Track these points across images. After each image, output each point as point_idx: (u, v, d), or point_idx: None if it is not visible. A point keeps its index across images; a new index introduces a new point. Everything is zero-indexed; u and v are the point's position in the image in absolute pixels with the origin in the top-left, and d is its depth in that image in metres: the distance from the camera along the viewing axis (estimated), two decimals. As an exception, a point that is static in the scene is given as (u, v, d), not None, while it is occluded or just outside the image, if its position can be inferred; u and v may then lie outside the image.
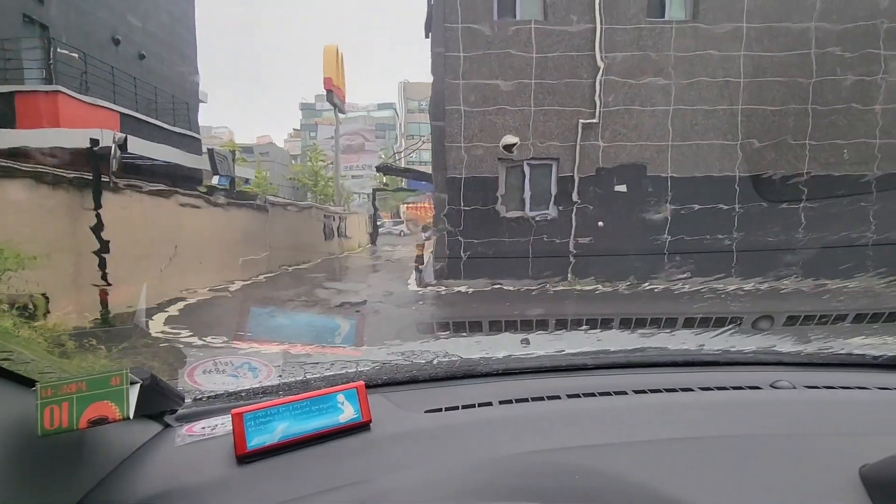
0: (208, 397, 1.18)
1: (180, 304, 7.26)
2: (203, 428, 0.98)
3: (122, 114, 11.25)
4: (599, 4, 8.62)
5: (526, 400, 1.06)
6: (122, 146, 6.98)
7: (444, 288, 8.56)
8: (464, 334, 3.32)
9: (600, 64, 8.72)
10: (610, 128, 8.85)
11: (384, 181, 30.42)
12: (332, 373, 1.32)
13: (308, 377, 1.27)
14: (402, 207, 36.06)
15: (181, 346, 4.97)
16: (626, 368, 1.30)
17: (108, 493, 0.80)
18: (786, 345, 1.66)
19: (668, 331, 2.81)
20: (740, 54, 8.73)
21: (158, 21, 14.67)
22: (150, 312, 6.33)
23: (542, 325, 3.17)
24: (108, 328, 5.57)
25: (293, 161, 46.88)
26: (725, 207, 8.83)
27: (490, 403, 1.04)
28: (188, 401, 1.12)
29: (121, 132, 9.01)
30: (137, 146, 9.88)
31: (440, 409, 1.03)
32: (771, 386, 1.12)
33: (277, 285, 9.95)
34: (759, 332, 2.21)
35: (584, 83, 8.79)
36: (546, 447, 0.88)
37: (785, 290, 6.96)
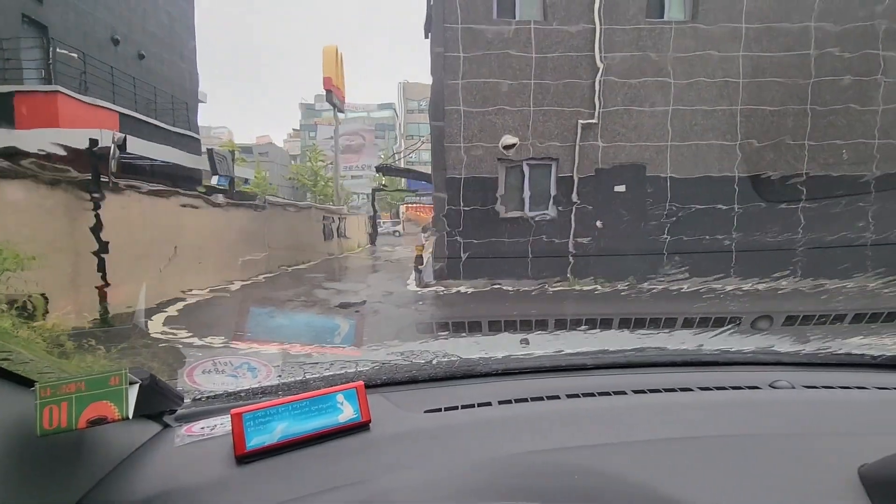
0: (207, 397, 1.18)
1: (179, 305, 7.26)
2: (202, 428, 0.98)
3: (121, 114, 11.24)
4: (599, 5, 8.63)
5: (525, 400, 1.06)
6: (122, 146, 6.98)
7: (443, 288, 8.56)
8: (463, 334, 3.31)
9: (600, 64, 8.72)
10: (609, 128, 8.86)
11: (383, 182, 30.44)
12: (331, 373, 1.32)
13: (307, 377, 1.27)
14: (402, 208, 36.10)
15: (180, 346, 4.96)
16: (626, 368, 1.30)
17: (107, 493, 0.80)
18: (785, 345, 1.66)
19: (667, 331, 2.81)
20: (739, 55, 8.74)
21: (158, 21, 14.66)
22: (150, 313, 6.33)
23: (541, 325, 3.17)
24: (107, 328, 5.56)
25: (293, 161, 46.89)
26: (724, 207, 8.84)
27: (489, 403, 1.04)
28: (187, 401, 1.12)
29: (120, 132, 9.00)
30: (137, 146, 9.88)
31: (439, 409, 1.03)
32: (770, 386, 1.12)
33: (277, 285, 9.95)
34: (757, 332, 2.21)
35: (583, 83, 8.80)
36: (545, 447, 0.88)
37: (784, 290, 6.97)
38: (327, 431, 0.89)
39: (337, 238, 17.73)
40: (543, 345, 2.18)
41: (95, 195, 6.22)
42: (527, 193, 9.05)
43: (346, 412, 0.92)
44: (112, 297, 6.03)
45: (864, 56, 8.63)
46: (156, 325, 5.88)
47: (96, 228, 6.09)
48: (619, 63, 8.77)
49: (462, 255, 8.84)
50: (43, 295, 4.97)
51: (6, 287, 4.41)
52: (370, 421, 0.92)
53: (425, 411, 1.02)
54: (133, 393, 0.78)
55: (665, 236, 8.81)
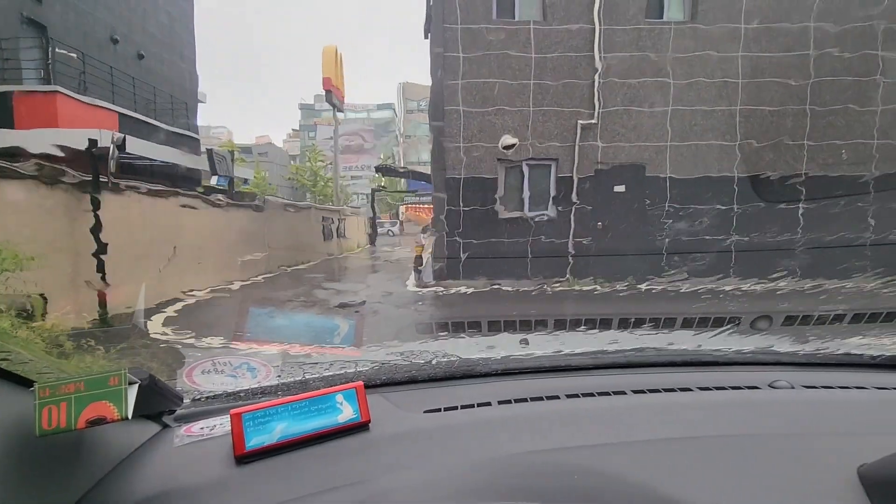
0: (207, 398, 1.18)
1: (179, 305, 7.25)
2: (202, 428, 0.98)
3: (120, 114, 11.23)
4: (598, 5, 8.64)
5: (525, 400, 1.06)
6: (121, 146, 6.98)
7: (442, 288, 8.56)
8: (462, 334, 3.31)
9: (599, 65, 8.73)
10: (609, 128, 8.86)
11: (383, 183, 30.45)
12: (330, 373, 1.32)
13: (307, 377, 1.27)
14: (402, 208, 36.10)
15: (180, 346, 4.96)
16: (625, 368, 1.30)
17: (106, 493, 0.80)
18: (784, 345, 1.66)
19: (667, 331, 2.81)
20: (738, 55, 8.75)
21: (157, 21, 14.66)
22: (149, 313, 6.32)
23: (540, 325, 3.17)
24: (106, 329, 5.56)
25: (292, 161, 46.87)
26: (724, 208, 8.85)
27: (489, 403, 1.04)
28: (187, 401, 1.12)
29: (119, 132, 9.00)
30: (136, 146, 9.88)
31: (439, 410, 1.03)
32: (769, 386, 1.12)
33: (276, 286, 9.94)
34: (757, 332, 2.21)
35: (582, 84, 8.80)
36: (545, 447, 0.88)
37: (783, 290, 6.97)
38: (327, 432, 0.89)
39: (336, 238, 17.72)
40: (543, 345, 2.18)
41: (94, 195, 6.21)
42: (526, 194, 9.05)
43: (346, 412, 0.92)
44: (111, 298, 6.03)
45: (863, 56, 8.64)
46: (155, 326, 5.88)
47: (95, 229, 6.09)
48: (618, 63, 8.78)
49: (461, 255, 8.85)
50: (42, 295, 4.97)
51: (5, 287, 4.41)
52: (370, 421, 0.92)
53: (425, 411, 1.02)
54: (132, 393, 0.77)
55: (664, 236, 8.81)
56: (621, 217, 8.90)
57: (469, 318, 5.01)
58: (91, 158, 6.44)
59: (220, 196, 10.48)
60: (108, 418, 0.75)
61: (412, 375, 1.22)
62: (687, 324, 3.02)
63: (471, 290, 8.21)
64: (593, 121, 8.80)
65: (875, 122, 8.71)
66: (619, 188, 8.95)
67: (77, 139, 6.85)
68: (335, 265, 14.58)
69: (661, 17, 9.02)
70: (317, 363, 1.48)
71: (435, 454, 0.88)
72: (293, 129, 63.72)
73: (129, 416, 0.76)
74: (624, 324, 3.22)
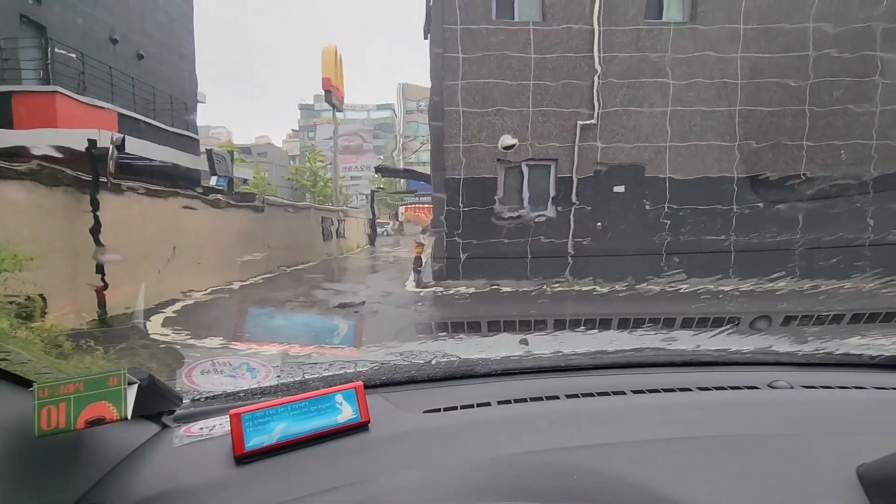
0: (206, 398, 1.18)
1: (178, 305, 7.25)
2: (201, 428, 0.98)
3: (119, 114, 11.23)
4: (598, 6, 8.65)
5: (524, 400, 1.06)
6: (120, 146, 6.97)
7: (442, 289, 8.56)
8: (462, 335, 3.31)
9: (598, 65, 8.74)
10: (608, 129, 8.87)
11: (382, 184, 30.44)
12: (330, 373, 1.32)
13: (306, 377, 1.27)
14: (401, 209, 36.09)
15: (179, 346, 4.96)
16: (625, 369, 1.30)
17: (105, 493, 0.80)
18: (783, 345, 1.66)
19: (666, 331, 2.81)
20: (738, 55, 8.76)
21: (156, 21, 14.65)
22: (149, 313, 6.32)
23: (540, 325, 3.17)
24: (105, 329, 5.55)
25: (291, 162, 46.88)
26: (723, 208, 8.85)
27: (488, 404, 1.04)
28: (186, 401, 1.12)
29: (119, 132, 9.00)
30: (135, 146, 9.88)
31: (439, 410, 1.03)
32: (769, 386, 1.12)
33: (276, 286, 9.94)
34: (756, 332, 2.21)
35: (582, 84, 8.81)
36: (545, 447, 0.88)
37: (782, 290, 6.98)
38: (326, 432, 0.89)
39: (336, 239, 17.72)
40: (542, 345, 2.18)
41: (94, 196, 6.21)
42: (526, 194, 9.05)
43: (346, 412, 0.91)
44: (111, 298, 6.02)
45: (862, 57, 8.66)
46: (154, 326, 5.87)
47: (95, 229, 6.08)
48: (617, 64, 8.79)
49: (461, 255, 8.85)
50: (41, 295, 4.96)
51: (4, 288, 4.40)
52: (369, 421, 0.92)
53: (424, 411, 1.02)
54: (132, 393, 0.77)
55: (664, 237, 8.82)
56: (621, 217, 8.90)
57: (468, 318, 5.01)
58: (90, 159, 6.44)
59: (219, 196, 10.48)
60: (107, 418, 0.75)
61: (412, 376, 1.22)
62: (686, 324, 3.02)
63: (470, 291, 8.22)
64: (593, 121, 8.80)
65: (874, 122, 8.72)
66: (619, 188, 8.95)
67: (76, 139, 6.85)
68: (335, 265, 14.58)
69: (661, 18, 9.03)
70: (316, 363, 1.48)
71: (434, 454, 0.88)
72: (293, 130, 63.80)
73: (129, 417, 0.76)
74: (623, 324, 3.22)
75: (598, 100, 8.76)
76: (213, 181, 13.16)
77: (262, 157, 39.46)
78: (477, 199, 8.90)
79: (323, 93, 21.72)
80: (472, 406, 1.03)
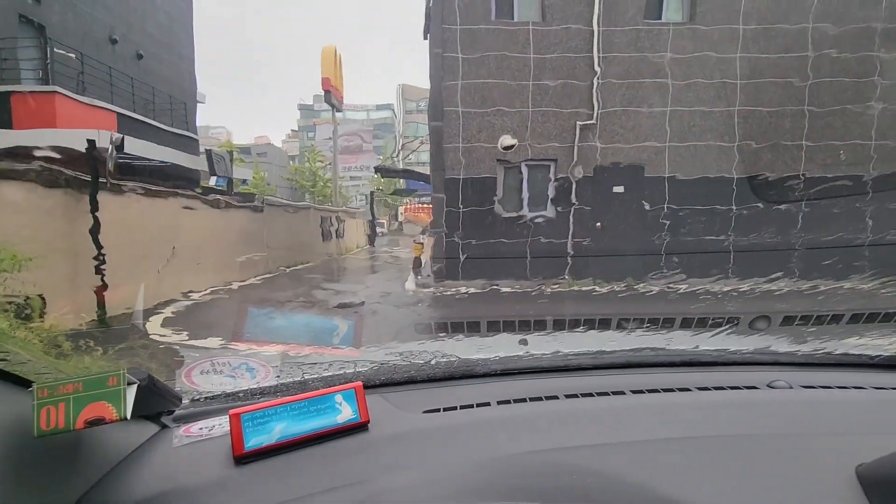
0: (206, 398, 1.18)
1: (178, 305, 7.24)
2: (201, 429, 0.98)
3: (119, 114, 11.22)
4: (597, 6, 8.65)
5: (524, 400, 1.06)
6: (119, 147, 6.98)
7: (442, 289, 8.56)
8: (461, 335, 3.31)
9: (598, 65, 8.74)
10: (608, 129, 8.88)
11: (381, 186, 30.43)
12: (330, 373, 1.32)
13: (306, 378, 1.27)
14: (401, 209, 36.09)
15: (178, 347, 4.95)
16: (624, 369, 1.30)
17: (104, 494, 0.80)
18: (782, 345, 1.66)
19: (666, 331, 2.81)
20: (737, 56, 8.77)
21: (156, 21, 14.64)
22: (148, 313, 6.32)
23: (539, 325, 3.17)
24: (105, 329, 5.55)
25: (291, 162, 46.87)
26: (723, 208, 8.86)
27: (488, 404, 1.04)
28: (186, 401, 1.12)
29: (118, 133, 9.01)
30: (135, 147, 9.88)
31: (438, 410, 1.03)
32: (768, 386, 1.12)
33: (276, 286, 9.94)
34: (755, 332, 2.21)
35: (581, 84, 8.81)
36: (544, 447, 0.88)
37: (781, 290, 6.98)
38: (326, 432, 0.89)
39: (335, 239, 17.72)
40: (542, 345, 2.18)
41: (93, 196, 6.20)
42: (525, 194, 9.06)
43: (345, 413, 0.91)
44: (110, 298, 6.02)
45: (861, 58, 8.67)
46: (154, 326, 5.87)
47: (94, 229, 6.08)
48: (617, 64, 8.79)
49: (461, 255, 8.85)
50: (41, 296, 4.96)
51: (3, 288, 4.40)
52: (369, 421, 0.92)
53: (424, 412, 1.02)
54: (131, 393, 0.77)
55: (663, 237, 8.82)
56: (620, 217, 8.91)
57: (468, 318, 5.01)
58: (90, 159, 6.43)
59: (218, 196, 10.47)
60: (106, 419, 0.75)
61: (411, 376, 1.22)
62: (685, 324, 3.02)
63: (470, 291, 8.22)
64: (592, 121, 8.81)
65: (873, 122, 8.73)
66: (619, 189, 8.96)
67: (76, 139, 6.85)
68: (334, 265, 14.58)
69: (660, 18, 9.04)
70: (316, 363, 1.47)
71: (434, 454, 0.88)
72: (292, 130, 63.79)
73: (128, 417, 0.76)
74: (622, 324, 3.22)
75: (598, 100, 8.77)
76: (212, 181, 13.15)
77: (262, 158, 39.44)
78: (476, 200, 8.90)
79: (322, 93, 21.73)
80: (471, 406, 1.03)
